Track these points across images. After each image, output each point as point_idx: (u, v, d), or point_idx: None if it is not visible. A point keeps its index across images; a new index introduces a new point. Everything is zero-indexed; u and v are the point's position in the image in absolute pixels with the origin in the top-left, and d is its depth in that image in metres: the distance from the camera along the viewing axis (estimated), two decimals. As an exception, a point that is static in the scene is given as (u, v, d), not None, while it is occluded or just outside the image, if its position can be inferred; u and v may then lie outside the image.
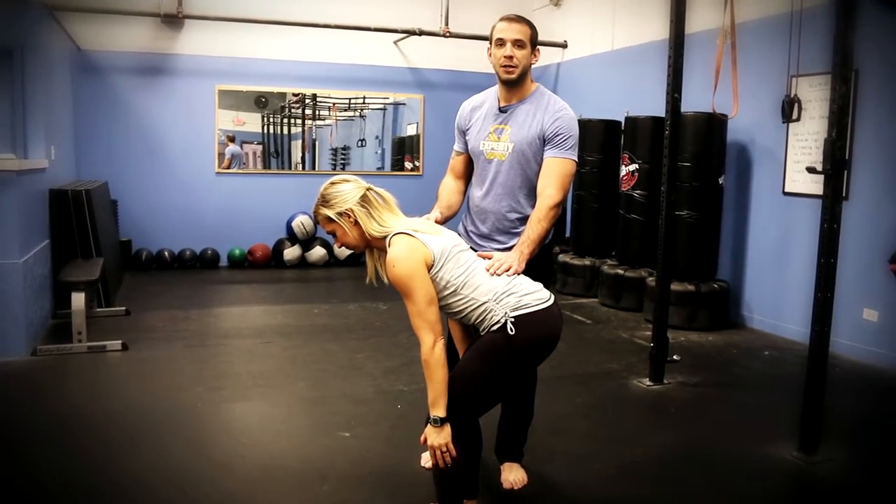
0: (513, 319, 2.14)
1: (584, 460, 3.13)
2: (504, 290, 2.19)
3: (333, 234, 2.29)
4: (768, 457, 3.16)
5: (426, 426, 2.17)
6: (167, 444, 3.19)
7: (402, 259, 2.13)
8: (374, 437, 3.31)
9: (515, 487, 2.80)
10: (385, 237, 2.22)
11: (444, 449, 2.14)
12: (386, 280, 2.24)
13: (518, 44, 2.60)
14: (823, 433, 3.15)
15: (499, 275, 2.25)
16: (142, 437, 3.24)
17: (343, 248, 2.33)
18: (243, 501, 2.71)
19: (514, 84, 2.65)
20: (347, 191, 2.24)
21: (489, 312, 2.18)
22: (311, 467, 2.98)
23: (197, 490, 2.77)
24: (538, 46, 2.69)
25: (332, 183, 2.28)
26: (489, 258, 2.33)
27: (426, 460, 2.94)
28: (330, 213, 2.24)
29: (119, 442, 3.19)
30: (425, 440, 2.17)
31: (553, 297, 2.28)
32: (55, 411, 3.53)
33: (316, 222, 2.33)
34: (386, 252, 2.20)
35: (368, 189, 2.27)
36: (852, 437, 3.42)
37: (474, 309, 2.20)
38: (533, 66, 2.69)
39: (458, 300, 2.21)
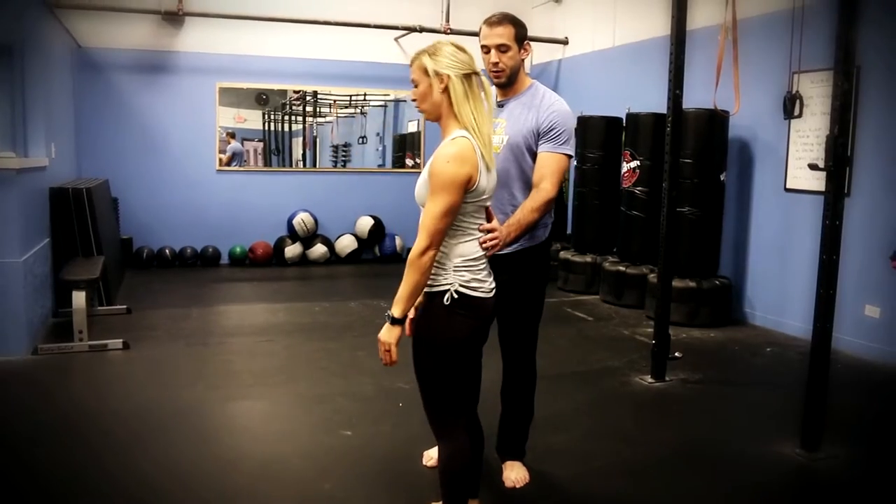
0: (456, 296, 2.06)
1: (586, 458, 3.13)
2: (465, 264, 2.09)
3: (415, 84, 2.12)
4: (771, 454, 3.16)
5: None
6: (169, 442, 3.19)
7: (456, 161, 1.99)
8: (376, 435, 3.31)
9: (517, 486, 2.80)
10: (456, 130, 2.07)
11: (388, 348, 2.06)
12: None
13: (502, 48, 2.62)
14: (826, 430, 3.15)
15: (485, 249, 2.16)
16: (143, 436, 3.24)
17: (414, 103, 2.18)
18: (245, 499, 2.71)
19: (506, 85, 2.70)
20: (460, 60, 2.07)
21: (444, 271, 2.08)
22: (312, 465, 2.98)
23: (199, 488, 2.78)
24: (528, 41, 2.69)
25: (452, 44, 2.10)
26: (492, 230, 2.19)
27: (429, 458, 2.94)
28: (429, 64, 2.07)
29: (121, 440, 3.19)
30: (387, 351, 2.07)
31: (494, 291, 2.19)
32: (56, 410, 3.53)
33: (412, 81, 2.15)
34: (444, 139, 2.08)
35: (477, 74, 2.11)
36: (855, 433, 3.42)
37: (440, 259, 2.08)
38: (533, 63, 2.69)
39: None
